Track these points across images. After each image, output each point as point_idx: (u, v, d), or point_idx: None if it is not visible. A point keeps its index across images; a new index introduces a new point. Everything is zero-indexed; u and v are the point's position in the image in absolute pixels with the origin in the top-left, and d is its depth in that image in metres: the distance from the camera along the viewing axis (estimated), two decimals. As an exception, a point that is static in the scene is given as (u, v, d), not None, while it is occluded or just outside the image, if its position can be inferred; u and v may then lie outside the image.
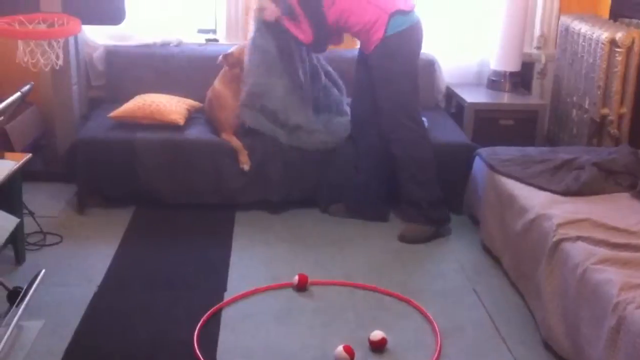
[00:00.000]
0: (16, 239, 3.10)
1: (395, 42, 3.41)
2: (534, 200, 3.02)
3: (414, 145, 3.51)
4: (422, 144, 3.53)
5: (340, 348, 2.54)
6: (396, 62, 3.44)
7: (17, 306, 1.82)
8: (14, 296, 1.96)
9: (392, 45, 3.41)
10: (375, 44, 3.43)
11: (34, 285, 1.94)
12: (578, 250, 2.57)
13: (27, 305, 2.03)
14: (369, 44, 3.47)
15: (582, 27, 4.01)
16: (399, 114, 3.49)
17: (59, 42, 3.61)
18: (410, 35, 3.45)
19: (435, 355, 2.61)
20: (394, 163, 3.56)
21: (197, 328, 2.70)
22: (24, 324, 1.89)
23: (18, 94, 2.03)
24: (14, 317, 1.78)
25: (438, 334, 2.74)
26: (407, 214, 3.60)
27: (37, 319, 2.36)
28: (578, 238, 2.64)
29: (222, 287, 3.05)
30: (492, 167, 3.37)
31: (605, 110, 3.83)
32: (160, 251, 3.36)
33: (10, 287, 2.27)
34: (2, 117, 2.14)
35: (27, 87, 2.07)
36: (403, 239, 3.51)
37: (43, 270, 2.10)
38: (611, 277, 2.34)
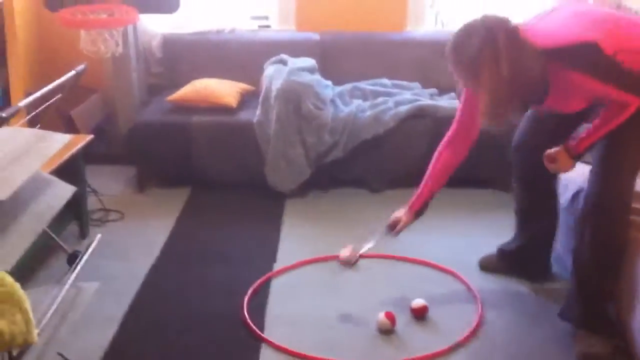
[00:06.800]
0: (80, 214, 3.32)
1: None
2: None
3: None
4: None
5: (381, 314, 2.64)
6: None
7: (75, 266, 1.99)
8: (73, 259, 2.14)
9: None
10: None
11: (92, 247, 2.11)
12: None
13: (86, 270, 2.20)
14: None
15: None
16: None
17: (118, 30, 3.81)
18: None
19: (475, 324, 2.68)
20: None
21: (247, 296, 2.84)
22: (81, 284, 2.07)
23: (72, 72, 2.19)
24: (72, 277, 1.96)
25: (479, 304, 2.80)
26: None
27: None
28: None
29: (272, 260, 3.18)
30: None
31: None
32: (214, 228, 3.52)
33: (71, 251, 2.49)
34: (60, 95, 2.31)
35: (81, 67, 2.23)
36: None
37: (99, 235, 2.28)
38: None
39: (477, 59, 2.21)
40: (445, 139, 2.70)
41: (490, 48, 2.18)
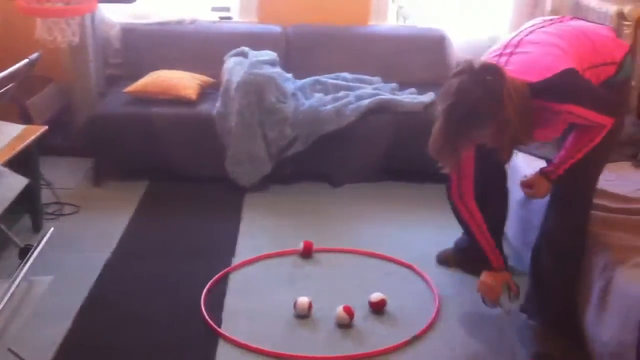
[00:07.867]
0: (34, 207, 3.24)
1: None
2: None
3: None
4: None
5: (340, 308, 2.63)
6: None
7: (26, 260, 1.94)
8: (25, 253, 2.09)
9: None
10: None
11: (44, 240, 2.06)
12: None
13: (39, 264, 2.15)
14: None
15: (591, 1, 4.02)
16: None
17: (75, 19, 3.73)
18: None
19: (432, 317, 2.69)
20: None
21: (205, 291, 2.81)
22: (33, 279, 2.02)
23: (25, 60, 2.14)
24: (23, 271, 1.91)
25: (437, 298, 2.82)
26: None
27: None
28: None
29: (231, 254, 3.15)
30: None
31: (613, 84, 3.85)
32: (172, 222, 3.47)
33: (22, 245, 2.43)
34: (13, 84, 2.25)
35: (35, 55, 2.17)
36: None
37: (52, 228, 2.23)
38: (604, 240, 2.39)
39: (496, 98, 2.15)
40: (454, 192, 2.63)
41: (500, 87, 2.15)
